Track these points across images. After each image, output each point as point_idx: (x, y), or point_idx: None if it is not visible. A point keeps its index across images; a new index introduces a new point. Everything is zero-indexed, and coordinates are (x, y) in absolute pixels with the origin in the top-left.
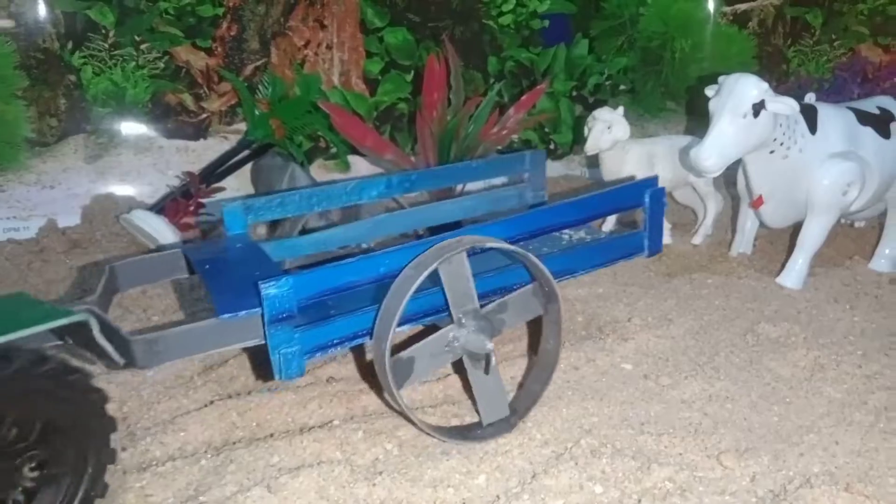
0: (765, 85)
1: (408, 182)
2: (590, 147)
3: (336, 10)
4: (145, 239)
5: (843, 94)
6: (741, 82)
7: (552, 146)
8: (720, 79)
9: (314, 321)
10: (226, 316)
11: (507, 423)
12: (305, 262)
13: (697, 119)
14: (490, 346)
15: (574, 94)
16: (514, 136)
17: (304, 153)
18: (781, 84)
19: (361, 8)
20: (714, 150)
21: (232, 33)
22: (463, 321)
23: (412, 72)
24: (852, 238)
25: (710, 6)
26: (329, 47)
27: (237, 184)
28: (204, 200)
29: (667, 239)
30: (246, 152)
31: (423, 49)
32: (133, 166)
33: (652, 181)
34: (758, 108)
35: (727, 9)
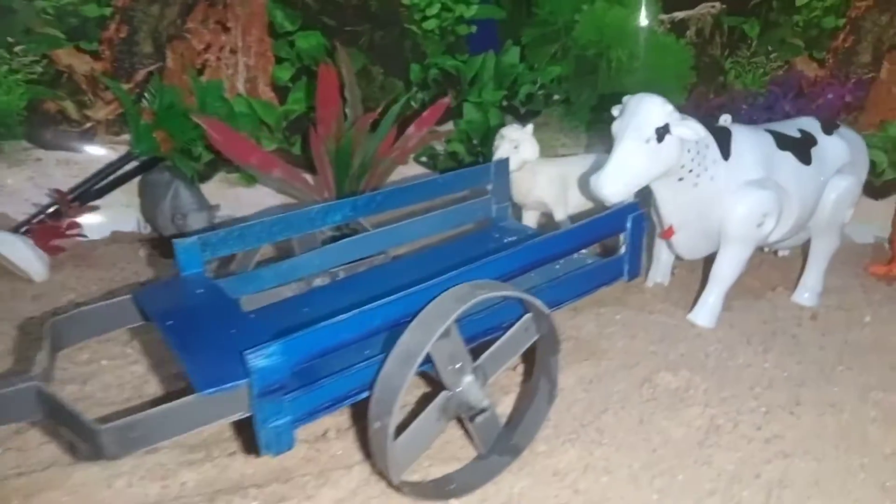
0: (669, 107)
1: (374, 203)
2: None
3: (240, 11)
4: (9, 266)
5: (774, 111)
6: (644, 104)
7: (480, 159)
8: (624, 99)
9: (305, 384)
10: (207, 392)
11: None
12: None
13: None
14: (487, 401)
15: (504, 104)
16: (441, 149)
17: (194, 168)
18: (714, 98)
19: (269, 10)
20: (615, 178)
21: (121, 35)
22: (456, 383)
23: None
24: (777, 266)
25: (646, 14)
26: (233, 51)
27: (126, 199)
28: None
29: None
30: (132, 166)
31: (338, 55)
32: (6, 181)
33: (634, 206)
34: (662, 132)
35: (664, 17)
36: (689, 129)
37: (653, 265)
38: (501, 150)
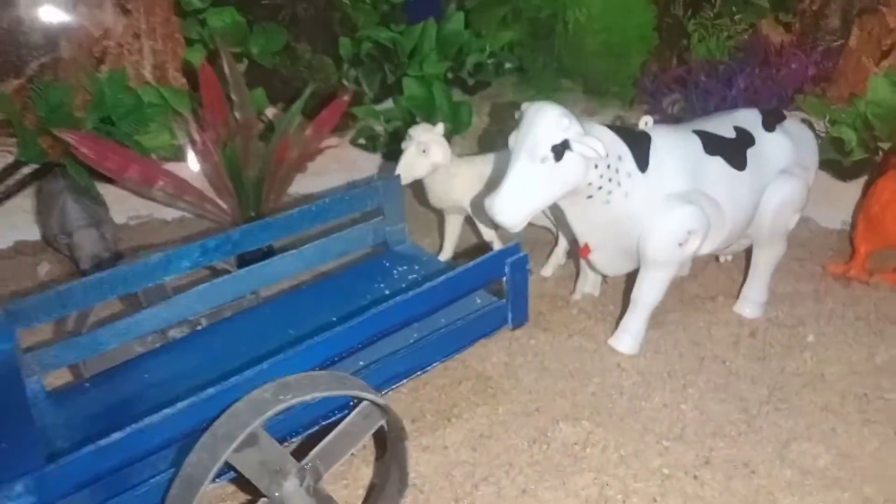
0: (566, 121)
1: (229, 244)
2: (402, 175)
3: None
4: None
5: (732, 85)
6: (539, 118)
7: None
8: (523, 106)
9: None
10: None
11: None
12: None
13: (598, 98)
14: None
15: (450, 76)
16: (380, 129)
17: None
18: (671, 70)
19: None
20: (510, 203)
21: (3, 25)
22: (274, 489)
23: (244, 60)
24: (724, 269)
25: None
26: (136, 36)
27: (28, 204)
28: None
29: (548, 272)
30: (23, 173)
31: (259, 33)
32: None
33: (513, 249)
34: (559, 150)
35: None
36: (591, 147)
37: (581, 275)
38: (408, 153)
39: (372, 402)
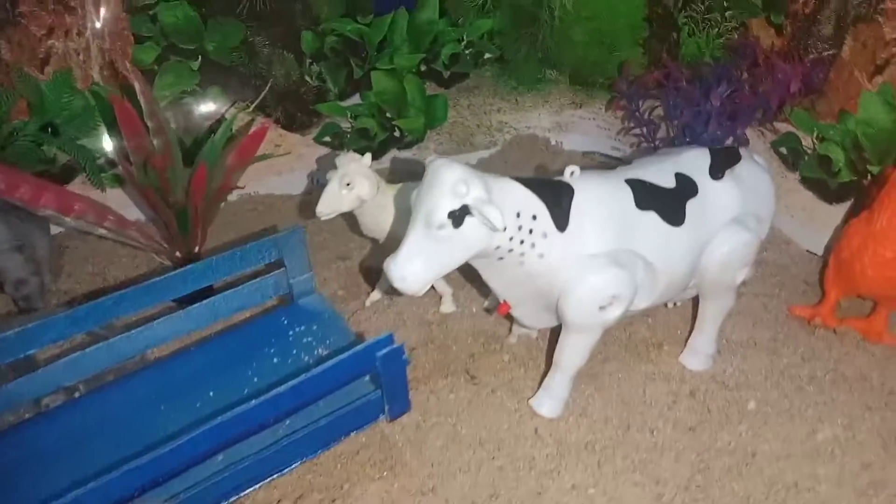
0: (464, 188)
1: (100, 311)
2: (322, 210)
3: None
4: None
5: (708, 100)
6: (436, 181)
7: (397, 133)
8: (426, 161)
9: None
10: None
11: None
12: None
13: (586, 91)
14: None
15: (424, 68)
16: (346, 126)
17: None
18: (649, 74)
19: None
20: (408, 268)
21: None
22: None
23: (199, 58)
24: (677, 310)
25: None
26: (82, 34)
27: None
28: None
29: (448, 307)
30: None
31: (214, 28)
32: None
33: (384, 340)
34: (458, 216)
35: None
36: (492, 216)
37: None
38: (331, 187)
39: None
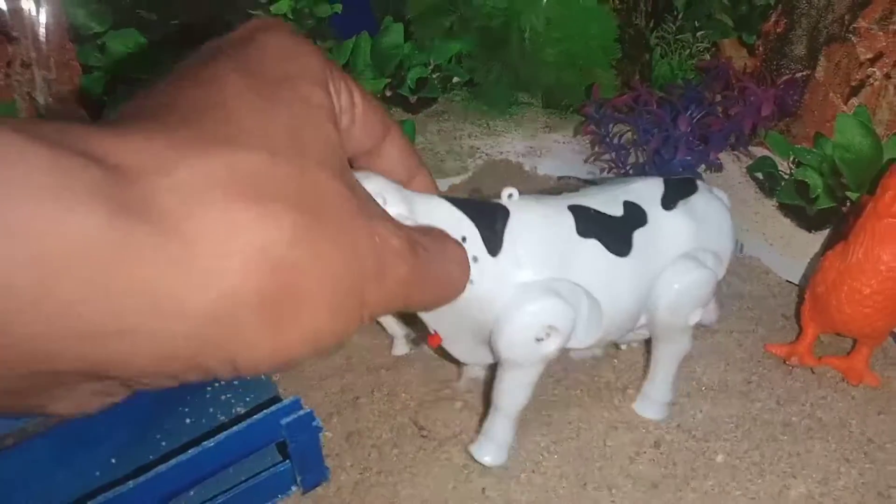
0: (380, 202)
1: None
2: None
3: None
4: None
5: (676, 126)
6: None
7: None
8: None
9: None
10: None
11: None
12: None
13: (559, 114)
14: None
15: (389, 93)
16: None
17: None
18: (618, 97)
19: (68, 9)
20: None
21: None
22: None
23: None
24: (640, 353)
25: None
26: (26, 65)
27: None
28: None
29: (400, 349)
30: None
31: (167, 57)
32: None
33: (291, 405)
34: None
35: None
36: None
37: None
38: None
39: None
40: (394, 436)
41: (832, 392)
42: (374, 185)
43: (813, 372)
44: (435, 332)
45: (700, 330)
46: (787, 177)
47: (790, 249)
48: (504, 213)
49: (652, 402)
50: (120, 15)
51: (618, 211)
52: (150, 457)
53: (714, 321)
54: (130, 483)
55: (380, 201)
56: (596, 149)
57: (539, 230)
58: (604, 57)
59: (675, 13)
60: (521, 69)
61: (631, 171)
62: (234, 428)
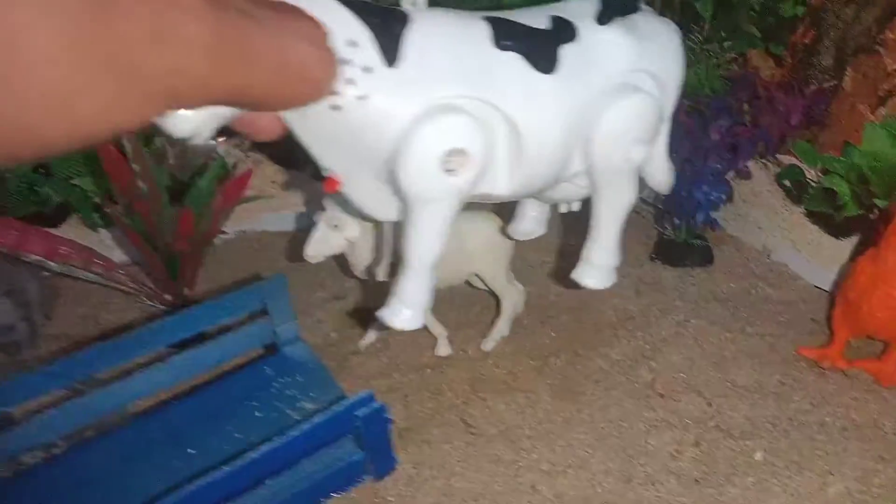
0: None
1: (79, 365)
2: (310, 253)
3: None
4: None
5: (705, 135)
6: None
7: None
8: None
9: None
10: None
11: None
12: None
13: None
14: None
15: None
16: None
17: None
18: None
19: None
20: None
21: None
22: None
23: None
24: (676, 352)
25: None
26: None
27: None
28: None
29: (444, 350)
30: None
31: None
32: None
33: (365, 398)
34: None
35: None
36: None
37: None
38: (318, 231)
39: None
40: (443, 432)
41: (865, 394)
42: None
43: (845, 374)
44: (330, 173)
45: (732, 332)
46: (814, 184)
47: (818, 256)
48: (403, 18)
49: (594, 266)
50: None
51: (542, 24)
52: (225, 447)
53: (667, 187)
54: (226, 468)
55: None
56: None
57: (447, 39)
58: None
59: (702, 23)
60: None
61: None
62: (317, 418)
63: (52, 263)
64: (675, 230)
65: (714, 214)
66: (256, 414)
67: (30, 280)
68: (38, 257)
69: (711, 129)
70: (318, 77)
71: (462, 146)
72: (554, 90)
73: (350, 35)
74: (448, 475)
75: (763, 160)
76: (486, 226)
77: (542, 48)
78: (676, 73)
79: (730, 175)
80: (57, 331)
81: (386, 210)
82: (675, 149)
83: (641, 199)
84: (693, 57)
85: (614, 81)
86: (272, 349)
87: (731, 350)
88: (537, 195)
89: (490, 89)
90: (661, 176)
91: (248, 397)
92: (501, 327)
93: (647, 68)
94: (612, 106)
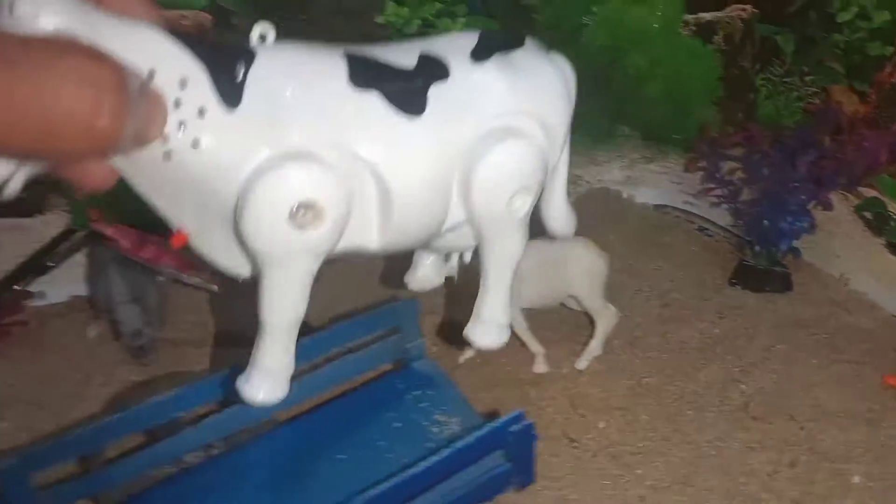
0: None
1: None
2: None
3: None
4: None
5: (787, 169)
6: None
7: None
8: None
9: None
10: None
11: None
12: None
13: (658, 147)
14: None
15: None
16: None
17: None
18: (730, 136)
19: None
20: None
21: None
22: None
23: None
24: (767, 372)
25: (670, 14)
26: None
27: None
28: None
29: (541, 367)
30: (78, 236)
31: None
32: None
33: (516, 417)
34: None
35: (689, 17)
36: None
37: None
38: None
39: None
40: (549, 446)
41: None
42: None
43: None
44: (179, 228)
45: (818, 358)
46: (895, 217)
47: (888, 279)
48: (248, 56)
49: (483, 322)
50: None
51: (408, 63)
52: (370, 454)
53: (569, 231)
54: (393, 480)
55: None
56: (704, 184)
57: (297, 79)
58: (705, 94)
59: (782, 57)
60: (624, 103)
61: (742, 208)
62: (474, 434)
63: (183, 275)
64: (756, 257)
65: (795, 243)
66: (395, 424)
67: (150, 288)
68: (172, 270)
69: (800, 162)
70: (100, 123)
71: (313, 198)
72: (421, 134)
73: (181, 73)
74: (561, 486)
75: (843, 192)
76: (584, 250)
77: (406, 88)
78: (564, 114)
79: (811, 205)
80: (171, 336)
81: (243, 266)
82: (757, 178)
83: (718, 226)
84: (772, 88)
85: (491, 125)
86: (398, 365)
87: (820, 376)
88: (422, 246)
89: (346, 134)
90: (562, 221)
91: (384, 408)
92: (595, 347)
93: (529, 110)
94: (489, 152)
